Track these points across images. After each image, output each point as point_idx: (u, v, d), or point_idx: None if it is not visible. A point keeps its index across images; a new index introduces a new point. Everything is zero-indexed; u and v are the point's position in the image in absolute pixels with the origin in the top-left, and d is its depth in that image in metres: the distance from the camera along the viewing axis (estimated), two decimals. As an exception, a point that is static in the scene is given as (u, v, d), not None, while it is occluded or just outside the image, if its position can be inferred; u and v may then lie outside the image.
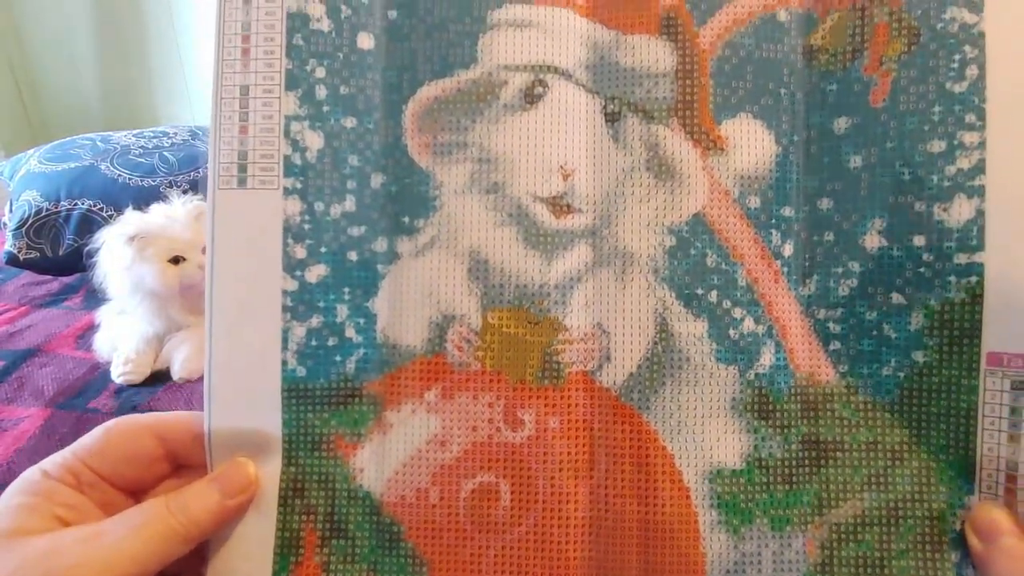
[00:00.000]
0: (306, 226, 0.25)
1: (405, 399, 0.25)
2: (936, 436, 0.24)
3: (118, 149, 1.23)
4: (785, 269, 0.25)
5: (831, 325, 0.25)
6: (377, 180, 0.25)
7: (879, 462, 0.24)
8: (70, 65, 1.72)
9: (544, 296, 0.25)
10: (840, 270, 0.25)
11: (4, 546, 0.20)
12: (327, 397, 0.25)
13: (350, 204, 0.25)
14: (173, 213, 0.85)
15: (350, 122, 0.25)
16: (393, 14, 0.26)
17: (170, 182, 1.15)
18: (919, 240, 0.24)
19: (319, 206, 0.25)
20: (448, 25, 0.26)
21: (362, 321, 0.25)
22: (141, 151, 1.24)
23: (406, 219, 0.25)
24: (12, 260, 1.10)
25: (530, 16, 0.26)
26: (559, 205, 0.25)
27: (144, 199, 1.02)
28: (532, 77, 0.25)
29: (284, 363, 0.24)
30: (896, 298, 0.25)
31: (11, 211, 1.15)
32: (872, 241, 0.25)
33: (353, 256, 0.25)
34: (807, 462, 0.25)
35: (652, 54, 0.25)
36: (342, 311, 0.25)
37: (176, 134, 1.32)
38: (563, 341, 0.25)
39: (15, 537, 0.20)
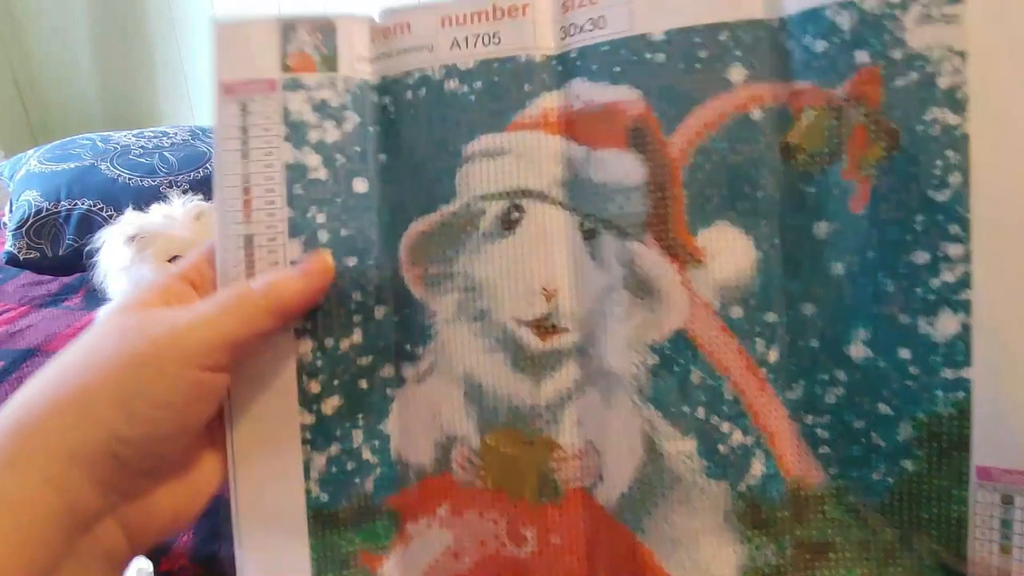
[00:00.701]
0: (319, 362, 0.26)
1: (421, 514, 0.27)
2: (927, 539, 0.24)
3: (118, 149, 1.23)
4: (771, 376, 0.25)
5: (819, 430, 0.25)
6: (380, 312, 0.27)
7: (873, 560, 0.24)
8: (70, 65, 1.72)
9: (536, 416, 0.26)
10: (826, 377, 0.25)
11: (117, 314, 0.24)
12: (350, 517, 0.26)
13: (358, 337, 0.27)
14: (173, 213, 0.85)
15: (352, 261, 0.26)
16: (383, 158, 0.27)
17: (170, 182, 1.15)
18: (905, 353, 0.24)
19: (329, 342, 0.26)
20: (428, 163, 0.27)
21: (377, 443, 0.27)
22: (141, 151, 1.24)
23: (408, 347, 0.27)
24: (12, 260, 1.10)
25: (502, 143, 0.26)
26: (544, 327, 0.26)
27: (144, 199, 1.02)
28: (508, 203, 0.26)
29: (308, 491, 0.26)
30: (883, 408, 0.24)
31: (11, 211, 1.14)
32: (857, 351, 0.24)
33: (364, 384, 0.27)
34: (802, 565, 0.24)
35: (621, 168, 0.25)
36: (358, 436, 0.26)
37: (176, 134, 1.32)
38: (558, 459, 0.26)
39: (129, 310, 0.24)
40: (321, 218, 0.26)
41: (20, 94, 1.77)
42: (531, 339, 0.26)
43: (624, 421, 0.25)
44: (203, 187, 1.13)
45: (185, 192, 1.03)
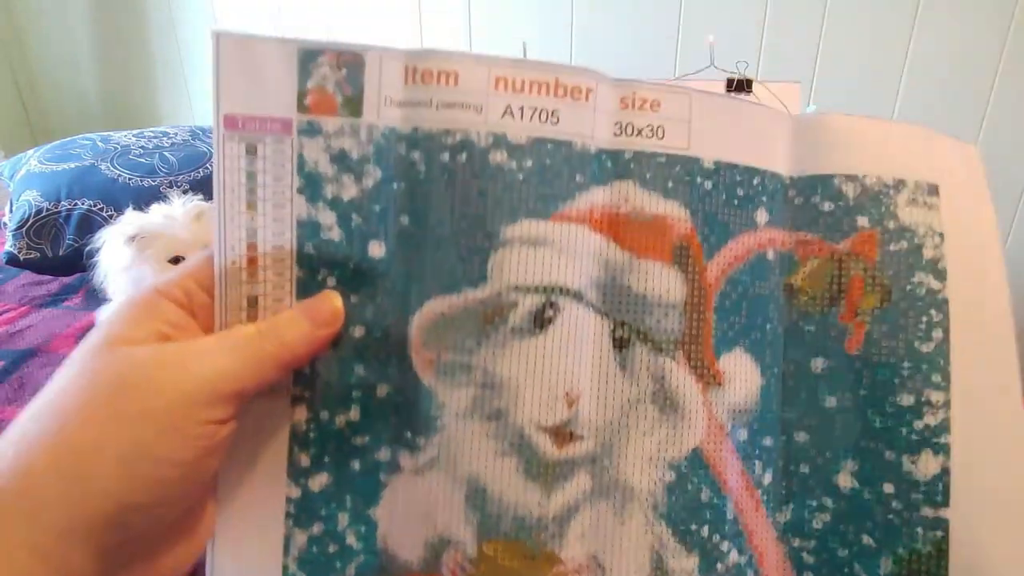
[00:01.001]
0: (312, 434, 0.24)
1: None
2: None
3: (118, 149, 1.23)
4: (764, 497, 0.26)
5: (805, 555, 0.26)
6: (383, 390, 0.25)
7: None
8: (70, 65, 1.72)
9: (542, 529, 0.25)
10: (814, 503, 0.26)
11: (107, 351, 0.21)
12: None
13: (355, 413, 0.25)
14: (173, 213, 0.85)
15: (359, 331, 0.24)
16: (405, 220, 0.25)
17: (170, 182, 1.15)
18: (888, 487, 0.25)
19: (325, 414, 0.25)
20: (459, 238, 0.24)
21: (363, 529, 0.25)
22: (141, 151, 1.23)
23: (408, 434, 0.25)
24: (12, 260, 1.10)
25: (545, 233, 0.25)
26: (561, 433, 0.25)
27: (144, 199, 1.02)
28: (543, 300, 0.25)
29: (285, 567, 0.25)
30: (867, 540, 0.25)
31: (11, 211, 1.14)
32: (845, 481, 0.26)
33: (356, 465, 0.25)
34: None
35: (664, 284, 0.25)
36: (343, 519, 0.25)
37: (176, 134, 1.32)
38: (558, 574, 0.25)
39: (119, 345, 0.21)
40: (331, 281, 0.24)
41: (20, 94, 1.77)
42: (548, 445, 0.24)
43: (636, 537, 0.25)
44: (203, 187, 1.13)
45: (185, 192, 1.03)
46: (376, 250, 0.24)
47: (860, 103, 1.31)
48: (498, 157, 0.24)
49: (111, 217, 1.06)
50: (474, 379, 0.25)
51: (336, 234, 0.24)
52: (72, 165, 1.17)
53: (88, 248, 0.88)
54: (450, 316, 0.25)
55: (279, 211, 0.24)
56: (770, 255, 0.27)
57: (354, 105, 0.24)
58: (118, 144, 1.24)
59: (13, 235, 1.10)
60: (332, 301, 0.24)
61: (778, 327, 0.27)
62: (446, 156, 0.24)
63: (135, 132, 1.31)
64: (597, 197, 0.25)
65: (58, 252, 1.09)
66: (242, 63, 0.23)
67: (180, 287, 0.23)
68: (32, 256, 1.09)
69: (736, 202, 0.26)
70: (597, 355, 0.25)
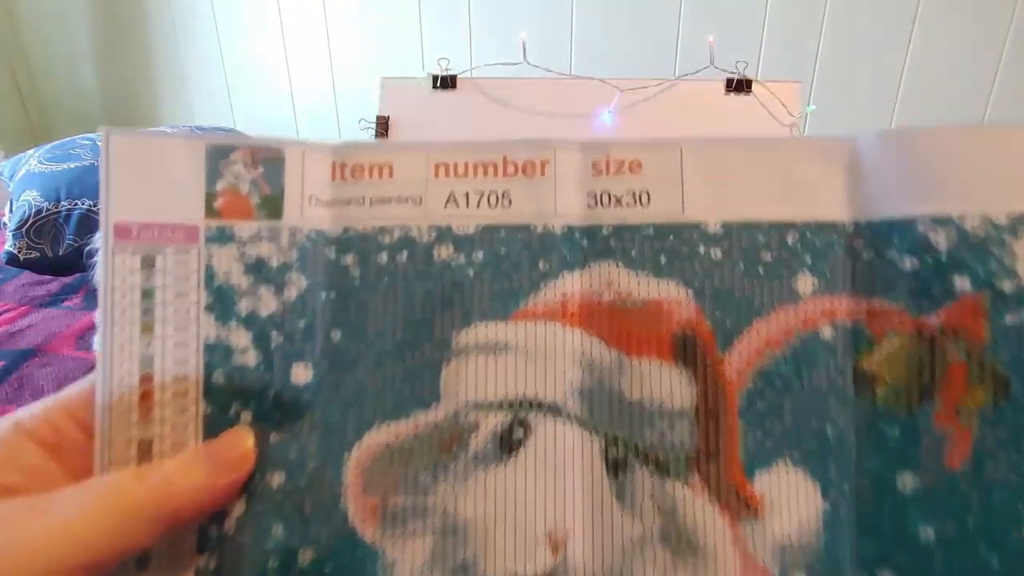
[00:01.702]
0: None
1: None
2: None
3: (118, 149, 1.23)
4: None
5: None
6: (307, 556, 0.20)
7: None
8: (70, 65, 1.72)
9: None
10: None
11: None
12: None
13: None
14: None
15: (277, 479, 0.20)
16: (337, 336, 0.21)
17: (170, 182, 1.15)
18: None
19: None
20: (405, 352, 0.21)
21: None
22: (141, 151, 1.23)
23: None
24: (12, 260, 1.10)
25: (507, 336, 0.21)
26: None
27: (144, 199, 1.02)
28: (509, 417, 0.21)
29: None
30: None
31: (11, 211, 1.14)
32: None
33: None
34: None
35: (665, 386, 0.21)
36: None
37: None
38: None
39: None
40: (246, 416, 0.20)
41: (20, 94, 1.77)
42: None
43: None
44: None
45: (185, 192, 1.03)
46: (301, 375, 0.21)
47: (860, 103, 1.31)
48: (444, 252, 0.21)
49: (111, 217, 1.05)
50: (432, 525, 0.20)
51: (252, 358, 0.21)
52: (72, 165, 1.17)
53: (88, 248, 0.88)
54: (398, 448, 0.21)
55: (182, 333, 0.20)
56: (826, 333, 0.21)
57: (273, 206, 0.21)
58: (118, 144, 1.23)
59: (13, 235, 1.10)
60: (240, 440, 0.20)
61: (846, 430, 0.20)
62: (383, 257, 0.21)
63: (135, 132, 1.30)
64: (570, 285, 0.21)
65: (58, 252, 1.09)
66: (138, 164, 0.20)
67: (48, 423, 0.19)
68: (32, 256, 1.09)
69: (761, 271, 0.21)
70: (587, 483, 0.20)
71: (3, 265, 1.12)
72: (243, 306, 0.21)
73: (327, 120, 1.59)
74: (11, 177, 1.23)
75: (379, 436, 0.21)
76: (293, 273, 0.21)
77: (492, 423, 0.21)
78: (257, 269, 0.21)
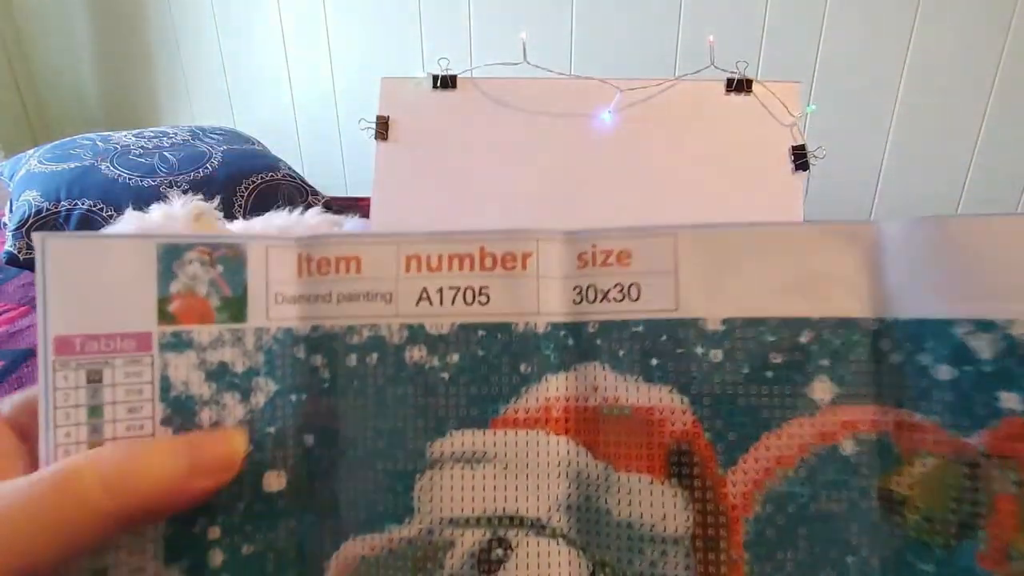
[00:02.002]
0: None
1: None
2: None
3: (118, 149, 1.23)
4: None
5: None
6: None
7: None
8: (70, 65, 1.72)
9: None
10: None
11: None
12: None
13: None
14: (173, 213, 0.85)
15: None
16: (310, 440, 0.20)
17: (170, 182, 1.15)
18: None
19: None
20: (376, 461, 0.20)
21: None
22: (141, 151, 1.23)
23: None
24: (12, 260, 1.10)
25: (485, 446, 0.20)
26: None
27: (144, 199, 1.02)
28: (488, 535, 0.19)
29: None
30: None
31: (11, 211, 1.14)
32: None
33: None
34: None
35: (657, 507, 0.19)
36: None
37: (176, 134, 1.32)
38: None
39: None
40: (214, 532, 0.19)
41: (20, 94, 1.77)
42: None
43: None
44: (203, 187, 1.13)
45: (185, 192, 1.03)
46: (274, 482, 0.19)
47: (860, 103, 1.31)
48: (416, 354, 0.20)
49: (111, 217, 1.06)
50: None
51: None
52: (72, 165, 1.17)
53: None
54: (373, 561, 0.19)
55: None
56: (847, 447, 0.18)
57: (236, 307, 0.19)
58: (118, 144, 1.24)
59: (13, 235, 1.10)
60: (229, 440, 0.19)
61: (870, 559, 0.18)
62: (352, 359, 0.20)
63: (135, 132, 1.30)
64: (555, 389, 0.20)
65: (58, 252, 1.09)
66: (79, 270, 0.18)
67: (27, 407, 0.19)
68: (32, 256, 1.09)
69: (770, 375, 0.19)
70: None
71: (3, 265, 1.12)
72: (205, 416, 0.19)
73: (327, 120, 1.59)
74: (11, 177, 1.23)
75: (355, 548, 0.19)
76: (260, 378, 0.19)
77: (469, 541, 0.19)
78: (220, 375, 0.19)
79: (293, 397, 0.20)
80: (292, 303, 0.20)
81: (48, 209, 1.10)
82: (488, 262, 0.20)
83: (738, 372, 0.19)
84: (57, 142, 1.27)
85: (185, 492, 0.17)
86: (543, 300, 0.20)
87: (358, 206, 1.17)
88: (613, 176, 0.60)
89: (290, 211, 0.95)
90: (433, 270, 0.20)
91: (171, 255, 0.19)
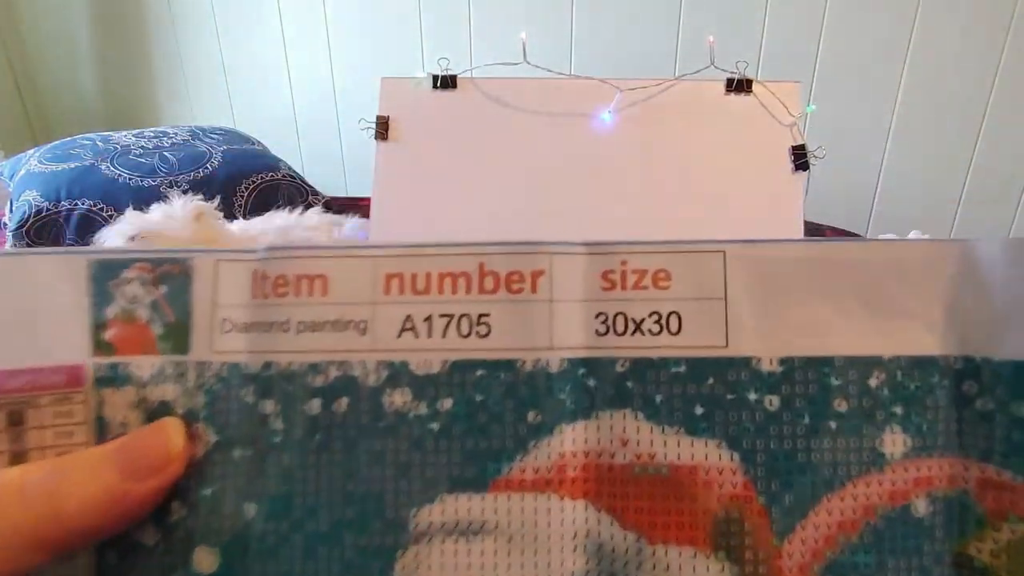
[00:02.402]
0: None
1: None
2: None
3: (118, 149, 1.23)
4: None
5: None
6: None
7: None
8: (70, 65, 1.72)
9: None
10: None
11: None
12: None
13: None
14: (173, 213, 0.85)
15: None
16: (251, 511, 0.16)
17: (170, 182, 1.15)
18: None
19: None
20: (344, 535, 0.16)
21: None
22: (141, 151, 1.23)
23: None
24: (12, 260, 1.10)
25: (482, 513, 0.16)
26: None
27: (144, 199, 1.02)
28: None
29: None
30: None
31: (11, 211, 1.14)
32: None
33: None
34: None
35: None
36: None
37: (176, 134, 1.32)
38: None
39: None
40: None
41: (20, 94, 1.77)
42: None
43: None
44: (203, 187, 1.13)
45: (185, 192, 1.03)
46: (204, 561, 0.16)
47: (860, 103, 1.31)
48: (398, 399, 0.16)
49: (111, 217, 1.06)
50: None
51: (149, 535, 0.16)
52: (72, 165, 1.17)
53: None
54: None
55: None
56: (920, 508, 0.16)
57: (179, 336, 0.16)
58: (118, 144, 1.24)
59: (13, 235, 1.10)
60: (165, 433, 0.16)
61: None
62: (315, 404, 0.16)
63: (135, 132, 1.30)
64: (571, 443, 0.16)
65: (58, 252, 1.09)
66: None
67: None
68: (32, 256, 1.09)
69: (833, 426, 0.16)
70: None
71: (3, 265, 1.12)
72: None
73: (327, 120, 1.59)
74: (11, 177, 1.23)
75: None
76: (200, 424, 0.16)
77: None
78: (159, 418, 0.16)
79: (236, 453, 0.16)
80: (242, 332, 0.16)
81: (48, 209, 1.10)
82: (489, 283, 0.17)
83: (798, 422, 0.16)
84: (57, 142, 1.26)
85: (123, 501, 0.15)
86: (558, 331, 0.16)
87: (358, 206, 1.17)
88: (613, 176, 0.60)
89: (290, 211, 0.95)
90: (420, 293, 0.17)
91: (106, 273, 0.16)
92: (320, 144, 1.62)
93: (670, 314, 0.16)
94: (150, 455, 0.16)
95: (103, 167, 1.15)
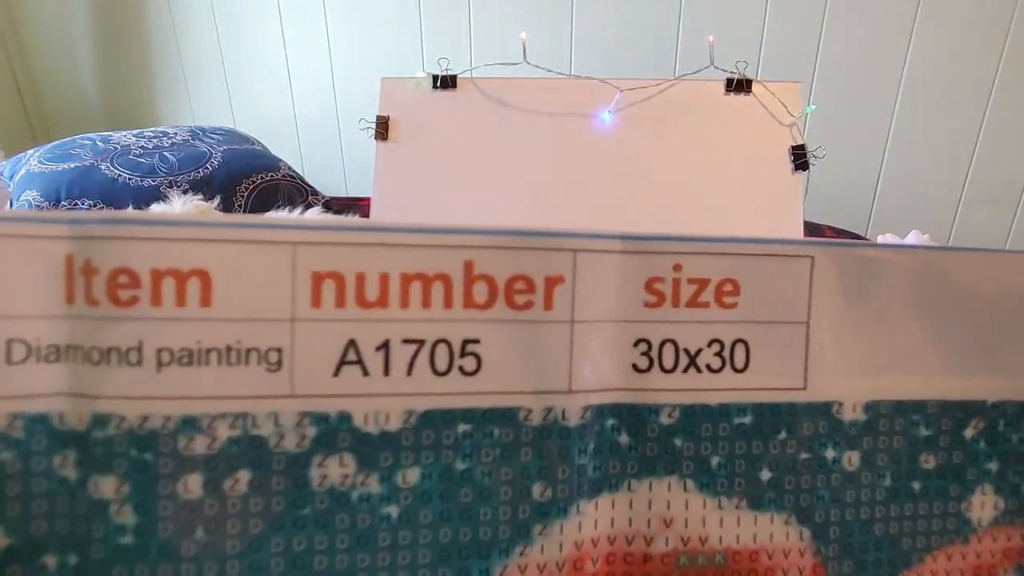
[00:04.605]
0: None
1: None
2: None
3: (118, 149, 1.23)
4: None
5: None
6: None
7: None
8: (70, 65, 1.72)
9: None
10: None
11: None
12: None
13: None
14: (173, 213, 0.85)
15: None
16: None
17: (170, 182, 1.15)
18: None
19: None
20: None
21: None
22: (141, 151, 1.23)
23: None
24: (12, 260, 1.10)
25: None
26: None
27: (144, 199, 1.02)
28: None
29: None
30: None
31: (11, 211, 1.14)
32: None
33: None
34: None
35: None
36: None
37: (176, 134, 1.32)
38: None
39: None
40: None
41: (20, 94, 1.76)
42: None
43: None
44: (203, 187, 1.12)
45: (185, 192, 1.03)
46: None
47: (860, 103, 1.31)
48: (334, 471, 0.11)
49: (111, 217, 1.06)
50: None
51: None
52: (72, 165, 1.17)
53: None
54: None
55: None
56: None
57: None
58: (118, 144, 1.24)
59: (13, 235, 1.10)
60: None
61: None
62: (192, 485, 0.11)
63: (135, 132, 1.30)
64: (592, 525, 0.12)
65: (58, 252, 1.09)
66: None
67: None
68: (32, 256, 1.09)
69: (918, 488, 0.13)
70: None
71: (3, 265, 1.12)
72: None
73: (327, 120, 1.59)
74: (11, 177, 1.23)
75: None
76: None
77: None
78: None
79: (48, 563, 0.10)
80: (51, 362, 0.10)
81: (48, 209, 1.10)
82: (480, 292, 0.11)
83: (878, 485, 0.13)
84: (57, 142, 1.26)
85: None
86: (581, 366, 0.11)
87: (358, 206, 1.17)
88: (613, 176, 0.60)
89: (290, 211, 0.95)
90: (370, 305, 0.11)
91: None
92: (320, 144, 1.62)
93: (735, 343, 0.12)
94: None
95: (103, 167, 1.15)
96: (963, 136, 1.30)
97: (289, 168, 1.26)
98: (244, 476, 0.11)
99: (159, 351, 0.10)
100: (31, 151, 1.27)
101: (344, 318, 0.11)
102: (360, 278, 0.11)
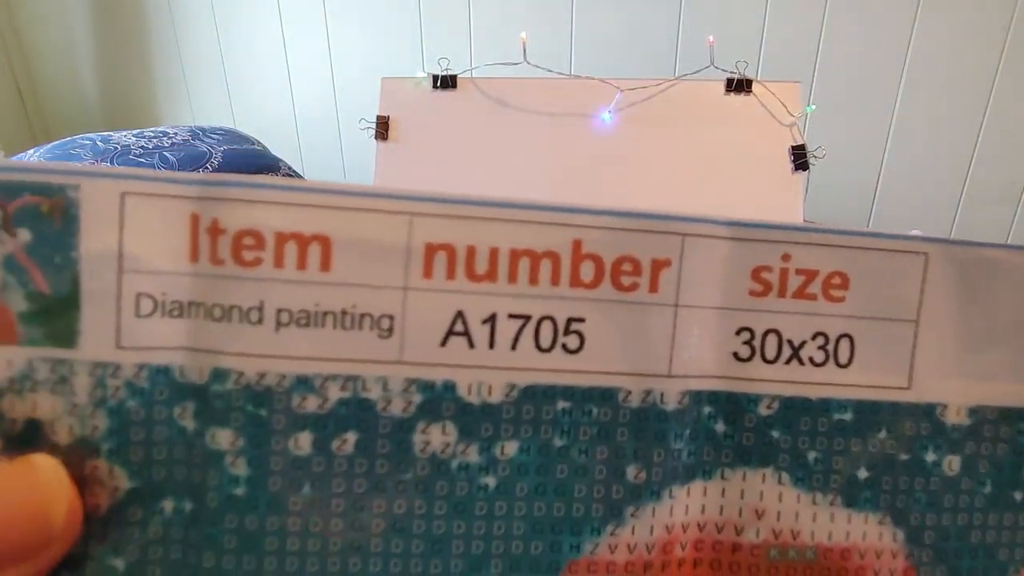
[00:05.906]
0: None
1: None
2: None
3: (118, 149, 1.23)
4: None
5: None
6: None
7: None
8: (70, 65, 1.72)
9: None
10: None
11: None
12: None
13: None
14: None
15: None
16: None
17: (170, 182, 1.15)
18: None
19: None
20: None
21: None
22: (141, 151, 1.23)
23: None
24: (12, 260, 1.10)
25: None
26: None
27: (144, 199, 1.02)
28: None
29: None
30: None
31: (11, 211, 1.15)
32: None
33: None
34: None
35: None
36: None
37: (176, 134, 1.32)
38: None
39: None
40: None
41: (20, 94, 1.76)
42: None
43: None
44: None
45: (185, 192, 1.03)
46: None
47: (860, 103, 1.31)
48: (436, 439, 0.11)
49: (111, 217, 1.06)
50: None
51: None
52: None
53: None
54: None
55: None
56: None
57: (58, 318, 0.10)
58: (118, 144, 1.24)
59: (13, 235, 1.10)
60: (41, 487, 0.10)
61: None
62: (303, 442, 0.11)
63: (135, 132, 1.30)
64: (683, 510, 0.12)
65: (58, 252, 1.09)
66: None
67: None
68: (32, 256, 1.09)
69: (1019, 498, 0.13)
70: None
71: (3, 265, 1.12)
72: None
73: (327, 120, 1.59)
74: (11, 177, 1.23)
75: None
76: (101, 461, 0.11)
77: None
78: (29, 447, 0.11)
79: (166, 507, 0.11)
80: (174, 317, 0.11)
81: (48, 209, 1.10)
82: (587, 272, 0.11)
83: (977, 492, 0.12)
84: (57, 142, 1.26)
85: None
86: (682, 351, 0.12)
87: (358, 206, 1.17)
88: (613, 175, 0.60)
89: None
90: (479, 278, 0.11)
91: None
92: (320, 144, 1.62)
93: (840, 337, 0.12)
94: (8, 533, 0.09)
95: (103, 167, 1.15)
96: (963, 136, 1.30)
97: (289, 168, 1.26)
98: (351, 437, 0.11)
99: (279, 311, 0.11)
100: (31, 151, 1.27)
101: (454, 289, 0.11)
102: (471, 251, 0.11)
